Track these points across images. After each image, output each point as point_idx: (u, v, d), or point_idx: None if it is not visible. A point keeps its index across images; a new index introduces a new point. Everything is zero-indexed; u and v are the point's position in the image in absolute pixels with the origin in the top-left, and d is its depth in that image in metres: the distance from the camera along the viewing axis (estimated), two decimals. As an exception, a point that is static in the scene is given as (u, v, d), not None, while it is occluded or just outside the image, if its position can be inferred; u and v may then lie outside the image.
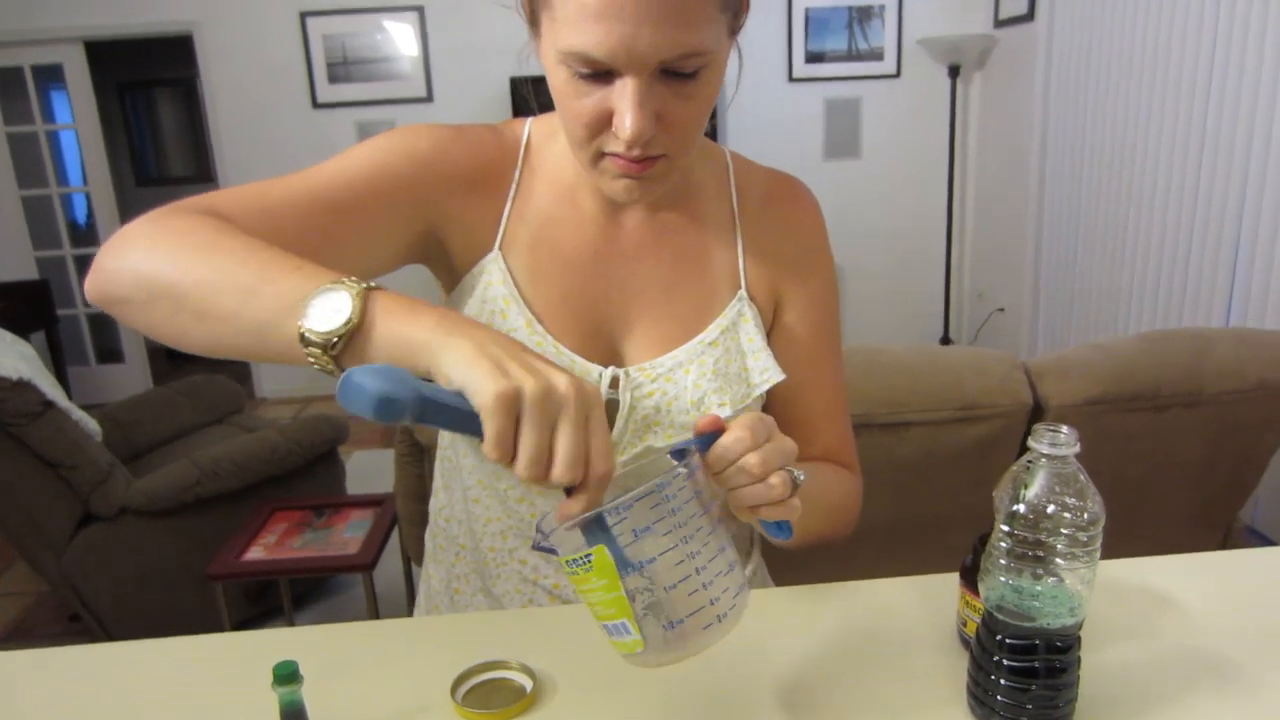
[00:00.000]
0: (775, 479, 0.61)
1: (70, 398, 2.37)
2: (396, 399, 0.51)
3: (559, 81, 0.70)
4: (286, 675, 0.62)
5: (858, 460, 0.93)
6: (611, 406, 0.80)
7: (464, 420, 0.53)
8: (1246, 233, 2.76)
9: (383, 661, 0.75)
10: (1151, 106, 3.22)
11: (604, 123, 0.69)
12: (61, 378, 4.43)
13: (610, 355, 0.83)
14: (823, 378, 0.90)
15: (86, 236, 4.99)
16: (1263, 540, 2.75)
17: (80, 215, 5.21)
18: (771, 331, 0.88)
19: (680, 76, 0.67)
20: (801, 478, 0.64)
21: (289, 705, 0.63)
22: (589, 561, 0.54)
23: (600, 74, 0.67)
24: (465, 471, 0.88)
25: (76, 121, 4.68)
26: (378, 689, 0.72)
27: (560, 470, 0.52)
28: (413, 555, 1.98)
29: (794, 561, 1.09)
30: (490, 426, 0.51)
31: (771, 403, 0.88)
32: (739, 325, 0.85)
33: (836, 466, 0.90)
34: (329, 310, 0.57)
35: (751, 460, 0.61)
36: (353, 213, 0.74)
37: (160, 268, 0.63)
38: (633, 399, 0.81)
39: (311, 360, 0.58)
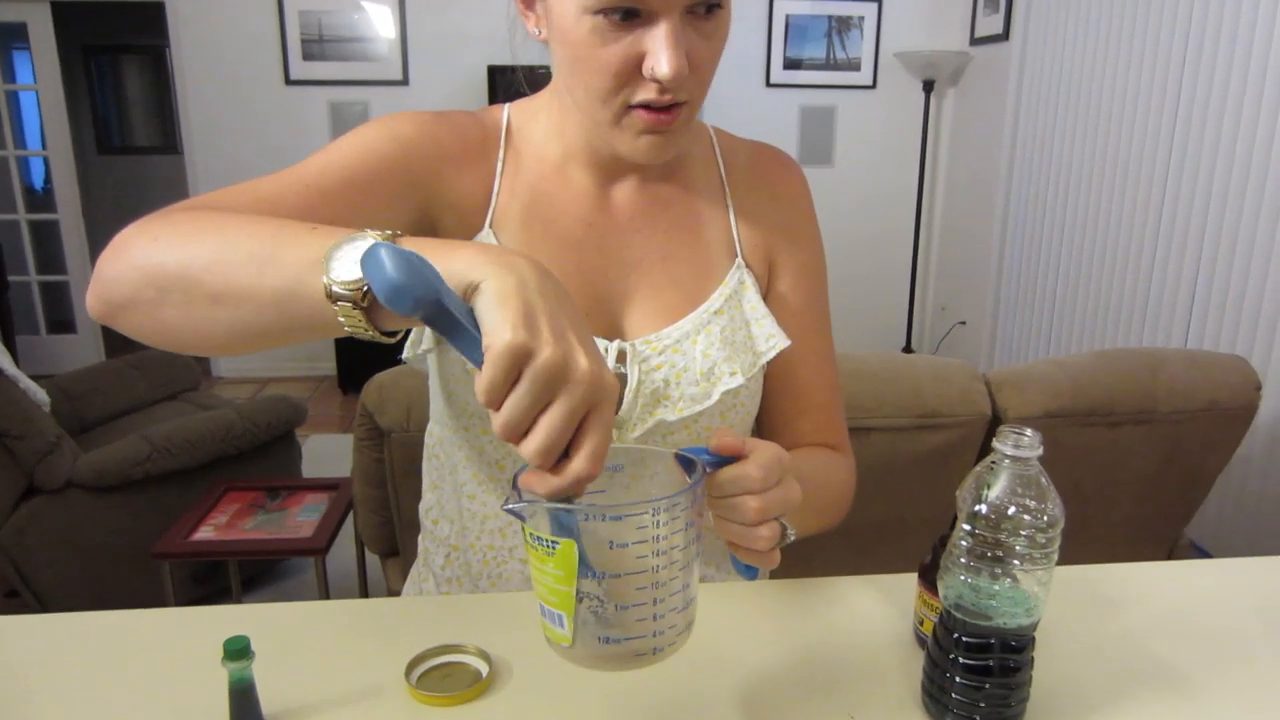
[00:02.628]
0: (765, 530, 0.59)
1: (18, 367, 2.31)
2: (410, 292, 0.47)
3: (582, 34, 0.68)
4: (237, 651, 0.60)
5: (848, 438, 0.92)
6: (619, 380, 0.80)
7: (469, 344, 0.49)
8: (1206, 257, 2.83)
9: (336, 642, 0.74)
10: (1119, 132, 3.29)
11: (633, 70, 0.69)
12: (10, 346, 4.31)
13: (613, 329, 0.83)
14: (815, 349, 0.90)
15: (43, 202, 4.86)
16: (1205, 556, 2.82)
17: (38, 180, 5.07)
18: (765, 300, 0.88)
19: (701, 15, 0.68)
20: (792, 536, 0.63)
21: (239, 682, 0.61)
22: (552, 548, 0.51)
23: (628, 17, 0.67)
24: (460, 467, 0.86)
25: (38, 83, 4.55)
26: (330, 669, 0.70)
27: (530, 448, 0.49)
28: (368, 542, 1.95)
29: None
30: (488, 372, 0.48)
31: (766, 373, 0.87)
32: (741, 293, 0.85)
33: (832, 454, 0.89)
34: (355, 260, 0.52)
35: (751, 504, 0.58)
36: (349, 199, 0.72)
37: (165, 257, 0.59)
38: (640, 373, 0.80)
39: (343, 320, 0.53)
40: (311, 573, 2.48)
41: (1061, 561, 0.89)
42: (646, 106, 0.71)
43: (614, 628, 0.53)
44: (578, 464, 0.49)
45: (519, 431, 0.49)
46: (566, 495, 0.51)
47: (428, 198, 0.79)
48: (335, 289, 0.53)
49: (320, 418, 4.13)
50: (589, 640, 0.53)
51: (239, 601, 2.44)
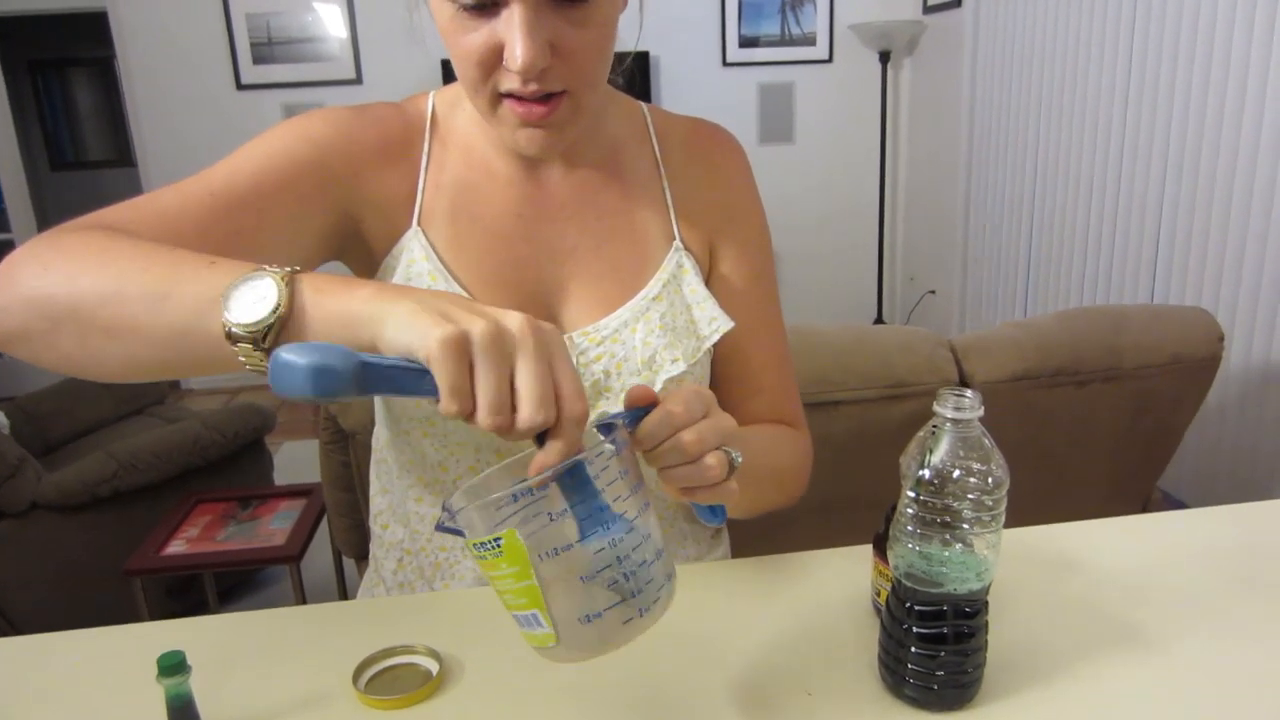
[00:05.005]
0: (711, 459, 0.58)
1: (-26, 390, 2.26)
2: (332, 368, 0.45)
3: (444, 20, 0.67)
4: (172, 666, 0.58)
5: (803, 415, 0.91)
6: None
7: (413, 380, 0.48)
8: (1167, 211, 2.85)
9: (282, 650, 0.72)
10: (1074, 92, 3.29)
11: (495, 58, 0.66)
12: (-29, 371, 4.23)
13: (549, 322, 0.80)
14: (763, 329, 0.87)
15: (-4, 222, 4.76)
16: (1181, 507, 2.85)
17: (-11, 201, 4.97)
18: (708, 283, 0.85)
19: (567, 2, 0.65)
20: (739, 459, 0.61)
21: (176, 698, 0.59)
22: (498, 546, 0.49)
23: (485, 5, 0.64)
24: (406, 470, 0.84)
25: (-17, 102, 4.45)
26: (276, 679, 0.68)
27: (527, 411, 0.47)
28: (341, 546, 1.93)
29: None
30: (441, 377, 0.46)
31: (715, 356, 0.85)
32: (680, 277, 0.82)
33: (783, 428, 0.88)
34: (253, 300, 0.52)
35: (686, 438, 0.57)
36: (258, 206, 0.70)
37: (57, 288, 0.57)
38: (579, 365, 0.78)
39: (243, 359, 0.53)
40: (289, 581, 2.46)
41: (1035, 523, 0.89)
42: (517, 98, 0.68)
43: (591, 602, 0.50)
44: (566, 404, 0.49)
45: (505, 412, 0.48)
46: (575, 446, 0.50)
47: (347, 198, 0.76)
48: (234, 330, 0.52)
49: (293, 424, 4.09)
50: (571, 627, 0.51)
51: (215, 614, 2.41)
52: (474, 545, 0.51)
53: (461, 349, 0.47)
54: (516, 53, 0.64)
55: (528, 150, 0.72)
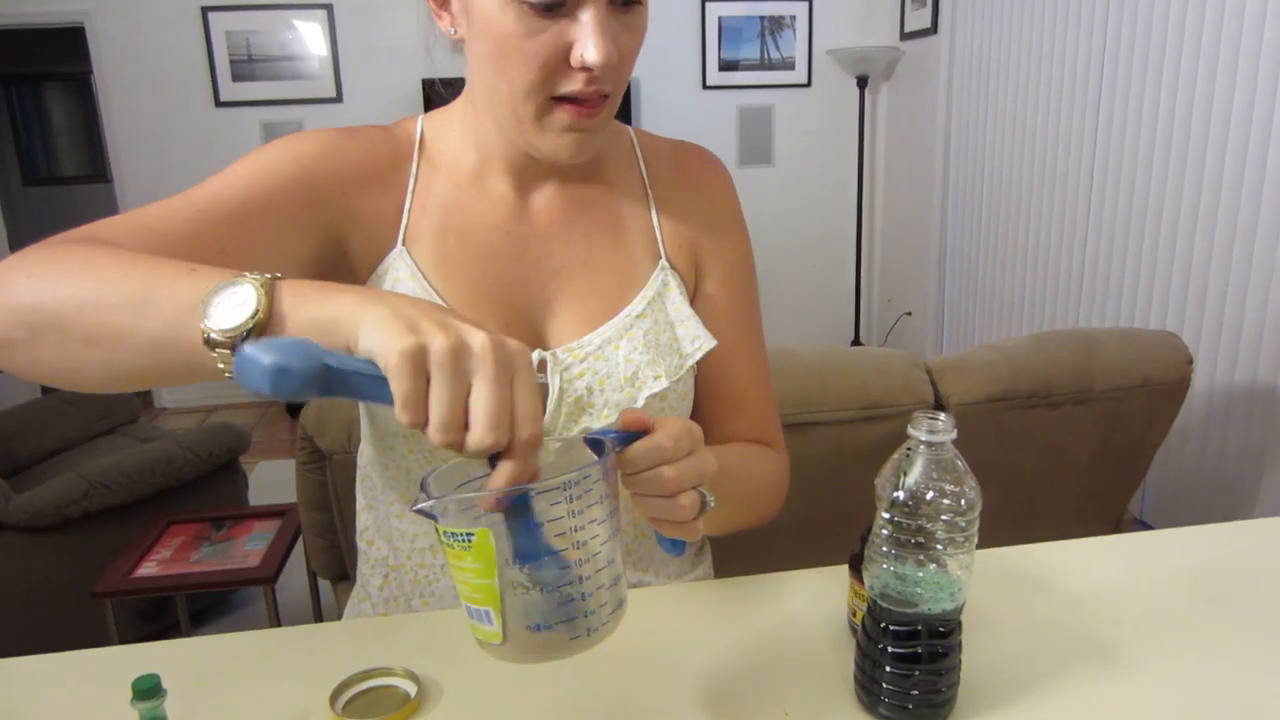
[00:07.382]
0: (685, 499, 0.59)
1: (-58, 408, 2.23)
2: (291, 369, 0.45)
3: (508, 25, 0.67)
4: (146, 690, 0.58)
5: (782, 435, 0.92)
6: (540, 391, 0.78)
7: (374, 387, 0.48)
8: (1134, 235, 2.90)
9: (258, 673, 0.72)
10: (1046, 118, 3.36)
11: (560, 61, 0.68)
12: (-62, 389, 4.16)
13: (535, 339, 0.81)
14: (745, 349, 0.89)
15: (-33, 239, 4.70)
16: (1143, 529, 2.88)
17: (-39, 216, 4.91)
18: (692, 303, 0.86)
19: (621, 8, 0.68)
20: (711, 503, 0.62)
21: (150, 722, 0.59)
22: (468, 541, 0.50)
23: (553, 6, 0.66)
24: (389, 486, 0.84)
25: (-45, 117, 4.41)
26: (252, 702, 0.68)
27: (478, 432, 0.47)
28: (317, 568, 1.91)
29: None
30: (396, 387, 0.46)
31: (696, 375, 0.86)
32: (665, 295, 0.84)
33: (762, 448, 0.89)
34: (232, 305, 0.52)
35: (667, 473, 0.58)
36: (245, 222, 0.70)
37: (39, 297, 0.57)
38: (562, 381, 0.78)
39: (221, 366, 0.53)
40: (264, 602, 2.43)
41: (1008, 543, 0.90)
42: (572, 100, 0.70)
43: (543, 614, 0.52)
44: (519, 428, 0.48)
45: (455, 429, 0.47)
46: (526, 472, 0.49)
47: (333, 218, 0.77)
48: (213, 335, 0.52)
49: (268, 443, 4.05)
50: (519, 632, 0.52)
51: (189, 637, 2.37)
52: (444, 533, 0.52)
53: (418, 362, 0.47)
54: (592, 50, 0.66)
55: (567, 155, 0.74)
